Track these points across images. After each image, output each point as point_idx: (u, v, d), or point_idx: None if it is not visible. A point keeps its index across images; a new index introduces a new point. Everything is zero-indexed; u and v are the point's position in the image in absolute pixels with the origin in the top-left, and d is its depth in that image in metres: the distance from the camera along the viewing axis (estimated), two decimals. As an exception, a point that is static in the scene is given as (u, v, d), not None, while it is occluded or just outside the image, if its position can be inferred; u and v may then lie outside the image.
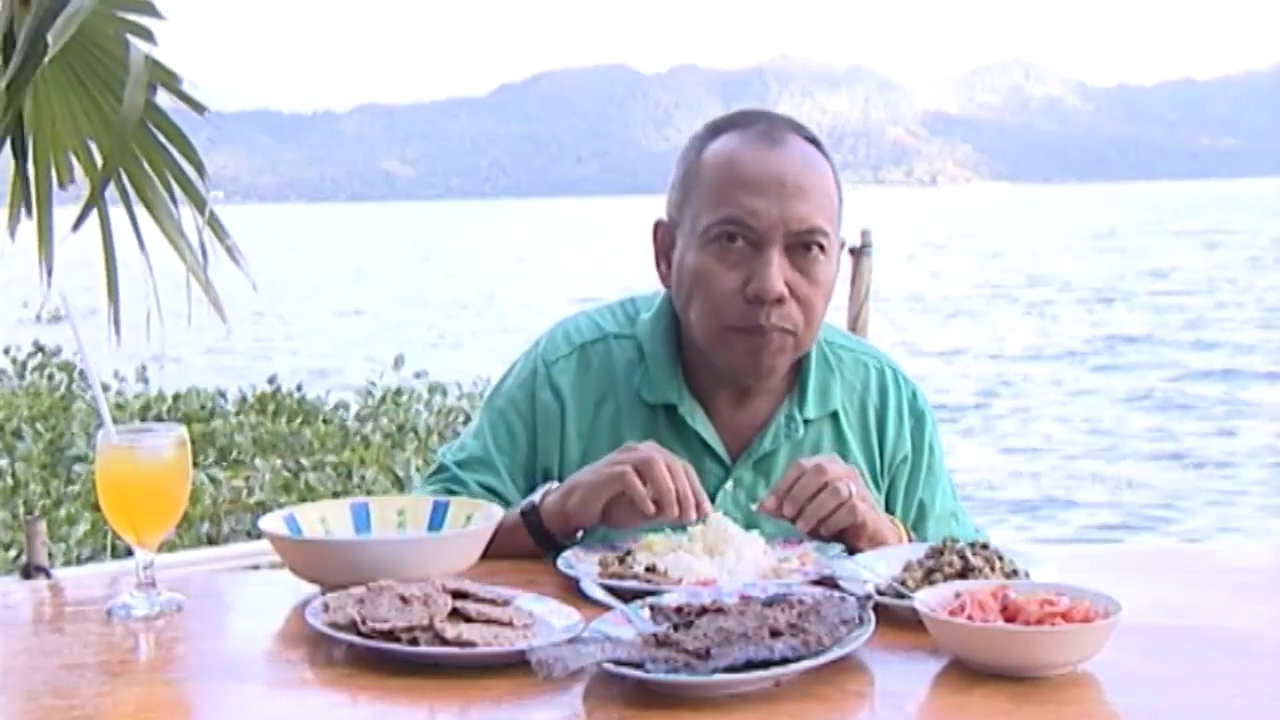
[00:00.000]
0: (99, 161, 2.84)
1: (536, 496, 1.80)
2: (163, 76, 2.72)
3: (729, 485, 1.88)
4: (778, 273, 1.77)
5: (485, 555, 1.67)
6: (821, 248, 1.80)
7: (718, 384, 1.89)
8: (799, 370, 1.92)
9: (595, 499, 1.72)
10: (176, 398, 8.87)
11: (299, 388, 9.32)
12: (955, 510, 2.02)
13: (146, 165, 2.81)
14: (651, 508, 1.68)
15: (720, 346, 1.82)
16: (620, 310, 1.99)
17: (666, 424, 1.88)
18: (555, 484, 1.80)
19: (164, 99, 2.77)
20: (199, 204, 2.82)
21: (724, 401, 1.90)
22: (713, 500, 1.84)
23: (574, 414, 1.90)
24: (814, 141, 1.87)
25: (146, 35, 2.67)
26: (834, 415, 1.93)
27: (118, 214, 2.81)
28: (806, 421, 1.90)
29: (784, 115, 1.91)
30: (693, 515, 1.69)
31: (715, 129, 1.87)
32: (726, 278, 1.79)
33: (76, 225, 2.69)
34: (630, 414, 1.89)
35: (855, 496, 1.70)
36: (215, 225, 2.83)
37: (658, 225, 1.92)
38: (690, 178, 1.85)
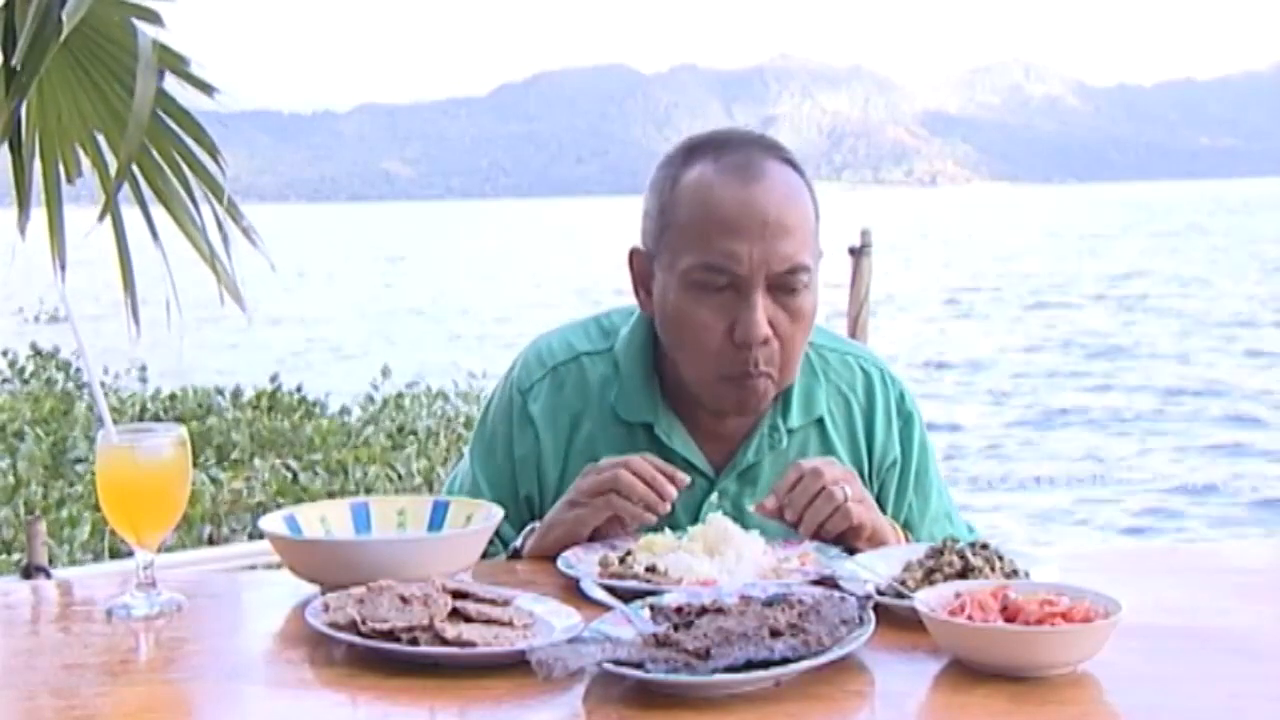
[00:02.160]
0: (107, 153, 2.81)
1: (518, 542, 1.81)
2: (170, 60, 2.68)
3: (714, 497, 1.87)
4: (762, 317, 1.76)
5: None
6: (804, 285, 1.80)
7: (697, 400, 1.88)
8: None
9: (582, 529, 1.74)
10: (173, 397, 8.88)
11: (299, 387, 9.33)
12: (949, 511, 2.01)
13: (156, 154, 2.77)
14: (651, 518, 1.71)
15: (709, 394, 1.83)
16: (595, 326, 1.98)
17: (645, 442, 1.87)
18: (537, 524, 1.81)
19: (170, 85, 2.73)
20: (214, 189, 2.78)
21: (704, 415, 1.88)
22: (697, 514, 1.83)
23: (549, 440, 1.89)
24: (789, 162, 1.83)
25: (154, 18, 2.63)
26: (819, 421, 1.92)
27: (129, 206, 2.79)
28: (790, 431, 1.89)
29: (757, 135, 1.87)
30: (673, 492, 1.72)
31: (689, 153, 1.83)
32: (712, 323, 1.78)
33: (101, 217, 2.66)
34: (606, 433, 1.88)
35: (851, 500, 1.69)
36: (231, 208, 2.80)
37: (633, 253, 1.88)
38: (667, 211, 1.82)
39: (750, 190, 1.76)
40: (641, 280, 1.89)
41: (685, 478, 1.74)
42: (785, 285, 1.78)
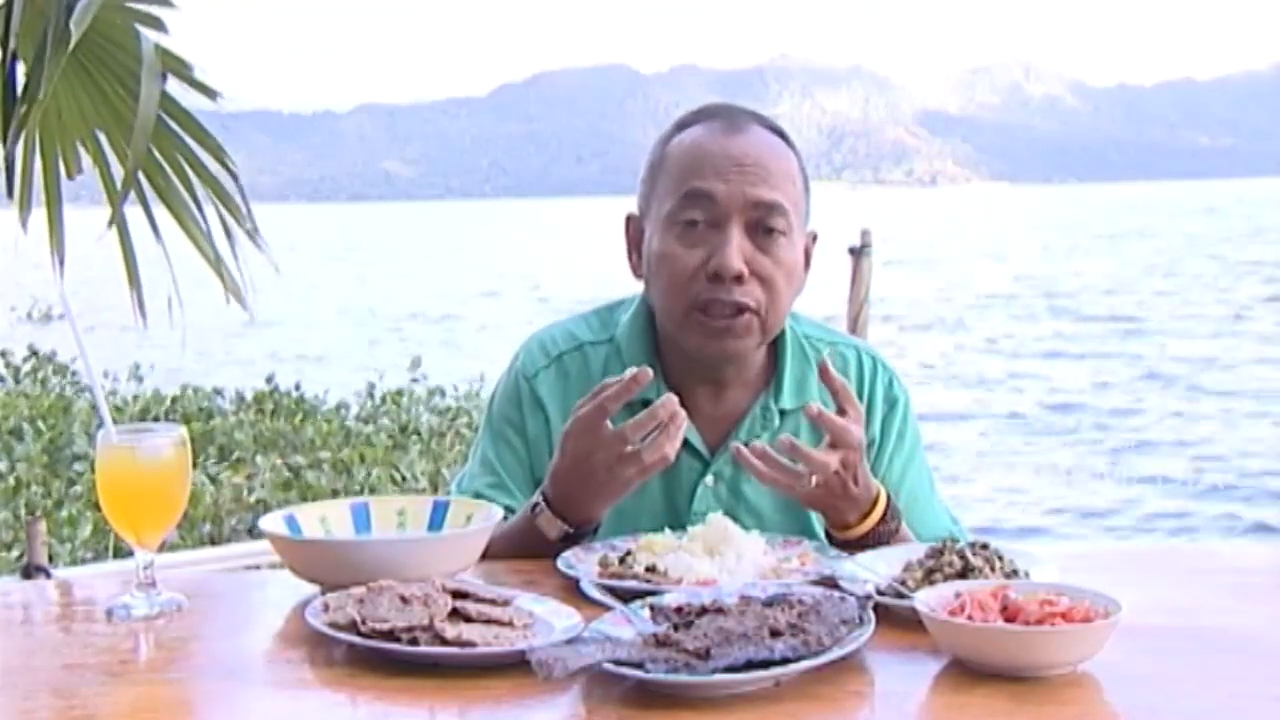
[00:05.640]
0: (108, 151, 2.81)
1: (535, 497, 1.80)
2: (173, 64, 2.69)
3: (709, 479, 1.89)
4: (736, 250, 1.80)
5: (487, 558, 1.67)
6: (783, 230, 1.83)
7: (694, 378, 1.90)
8: (775, 362, 1.94)
9: (605, 502, 1.73)
10: (174, 399, 8.88)
11: (297, 386, 9.32)
12: (932, 500, 2.01)
13: (159, 155, 2.77)
14: (669, 453, 1.67)
15: (686, 328, 1.84)
16: (595, 318, 2.01)
17: None
18: (540, 500, 1.78)
19: (172, 87, 2.73)
20: (217, 191, 2.78)
21: (701, 395, 1.90)
22: (692, 495, 1.87)
23: (558, 424, 1.88)
24: (780, 133, 1.91)
25: (157, 24, 2.64)
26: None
27: (131, 205, 2.78)
28: (783, 412, 1.91)
29: (749, 109, 1.93)
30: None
31: (681, 124, 1.92)
32: (688, 257, 1.82)
33: (111, 223, 2.66)
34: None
35: (820, 486, 1.68)
36: (236, 210, 2.80)
37: (629, 219, 1.96)
38: (656, 169, 1.90)
39: (732, 138, 1.85)
40: (634, 244, 1.95)
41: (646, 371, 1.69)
42: (763, 224, 1.82)
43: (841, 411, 1.71)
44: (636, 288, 1.98)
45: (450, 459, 7.11)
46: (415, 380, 9.46)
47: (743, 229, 1.81)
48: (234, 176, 2.81)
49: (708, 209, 1.81)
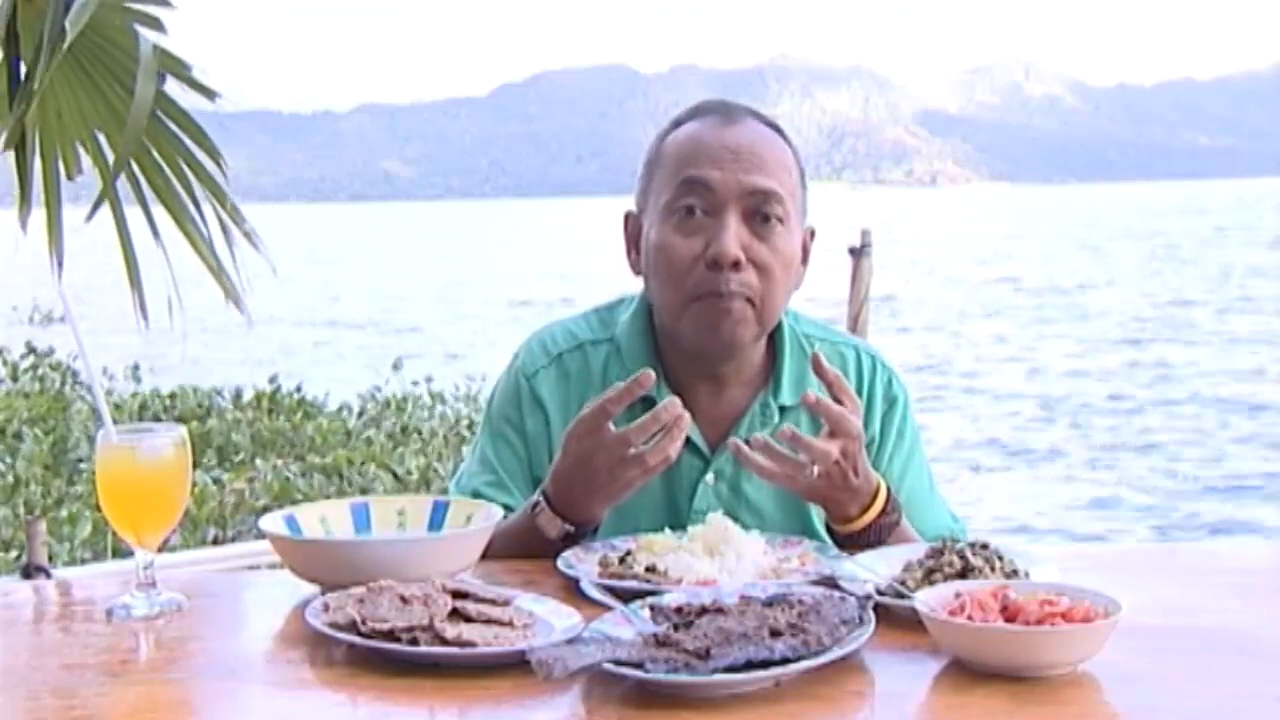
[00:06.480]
0: (108, 152, 2.82)
1: (536, 496, 1.80)
2: (172, 65, 2.70)
3: (709, 477, 1.89)
4: (734, 237, 1.81)
5: (486, 557, 1.67)
6: (780, 218, 1.84)
7: (694, 375, 1.91)
8: (774, 359, 1.94)
9: (606, 502, 1.74)
10: (172, 395, 8.87)
11: (299, 388, 9.32)
12: (932, 497, 2.01)
13: (157, 154, 2.78)
14: (671, 452, 1.68)
15: (683, 319, 1.85)
16: (595, 317, 2.02)
17: None
18: (540, 499, 1.78)
19: (172, 88, 2.74)
20: (215, 191, 2.79)
21: (701, 393, 1.91)
22: (693, 494, 1.88)
23: (558, 424, 1.90)
24: (775, 128, 1.92)
25: (155, 24, 2.65)
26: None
27: (130, 205, 2.79)
28: (782, 409, 1.92)
29: (744, 105, 1.95)
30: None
31: (677, 121, 1.94)
32: (686, 246, 1.83)
33: (90, 216, 2.66)
34: None
35: (821, 477, 1.69)
36: (233, 211, 2.81)
37: (627, 216, 1.97)
38: (653, 165, 1.91)
39: (727, 129, 1.87)
40: (633, 240, 1.96)
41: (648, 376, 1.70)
42: (759, 211, 1.83)
43: (838, 404, 1.72)
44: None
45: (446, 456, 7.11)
46: (417, 382, 9.47)
47: (739, 216, 1.82)
48: (224, 174, 2.81)
49: (704, 197, 1.83)
